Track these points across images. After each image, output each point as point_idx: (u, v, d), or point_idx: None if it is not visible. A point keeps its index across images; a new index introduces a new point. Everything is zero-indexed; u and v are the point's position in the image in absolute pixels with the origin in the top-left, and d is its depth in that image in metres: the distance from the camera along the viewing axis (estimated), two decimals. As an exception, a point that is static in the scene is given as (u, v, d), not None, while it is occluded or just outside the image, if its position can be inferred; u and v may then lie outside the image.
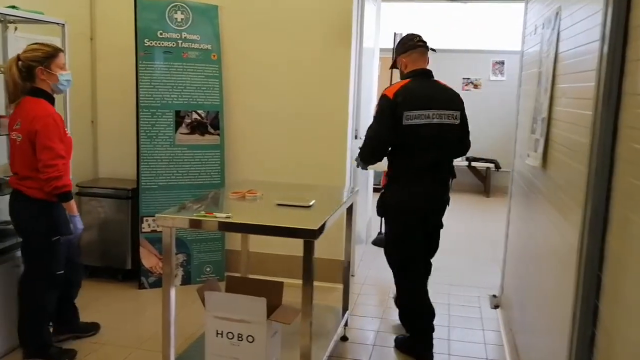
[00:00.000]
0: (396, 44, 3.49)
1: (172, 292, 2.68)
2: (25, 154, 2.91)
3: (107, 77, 4.71)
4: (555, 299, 2.30)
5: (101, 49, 4.69)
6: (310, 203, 2.89)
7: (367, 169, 4.02)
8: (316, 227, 2.43)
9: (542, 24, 3.09)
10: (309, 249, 2.45)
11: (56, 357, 3.18)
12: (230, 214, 2.58)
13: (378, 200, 3.44)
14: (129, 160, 4.41)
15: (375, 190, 6.22)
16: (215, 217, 2.56)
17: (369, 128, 3.31)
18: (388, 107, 3.18)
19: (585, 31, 2.10)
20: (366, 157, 3.39)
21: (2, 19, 3.29)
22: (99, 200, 4.39)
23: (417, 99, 3.23)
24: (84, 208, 4.41)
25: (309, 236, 2.43)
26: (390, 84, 3.48)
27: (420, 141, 3.21)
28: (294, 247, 2.98)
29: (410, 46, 3.38)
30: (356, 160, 3.64)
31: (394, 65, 3.53)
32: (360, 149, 3.41)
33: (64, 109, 3.66)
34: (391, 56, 5.85)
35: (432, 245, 3.67)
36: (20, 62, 2.92)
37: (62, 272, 3.14)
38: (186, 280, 4.40)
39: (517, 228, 3.78)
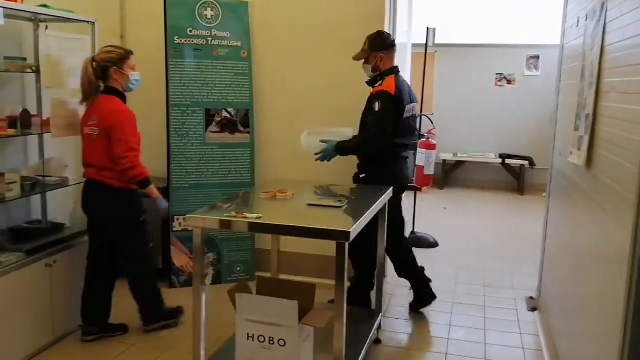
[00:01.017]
0: (372, 40, 3.64)
1: (203, 293, 2.63)
2: (103, 147, 3.17)
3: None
4: (603, 304, 2.18)
5: (131, 47, 4.64)
6: (343, 203, 2.81)
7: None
8: (349, 228, 2.35)
9: (585, 15, 2.95)
10: (341, 251, 2.37)
11: (170, 316, 3.56)
12: (260, 215, 2.51)
13: (363, 180, 3.69)
14: (159, 159, 4.38)
15: (410, 188, 6.13)
16: (246, 217, 2.50)
17: (373, 122, 3.50)
18: (392, 103, 3.49)
19: (635, 22, 1.98)
20: (369, 150, 3.63)
21: (33, 18, 3.28)
22: (130, 199, 4.37)
23: (406, 94, 3.65)
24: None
25: (341, 238, 2.35)
26: (386, 83, 3.60)
27: (407, 130, 3.71)
28: (326, 247, 2.93)
29: (390, 44, 3.67)
30: (323, 154, 3.70)
31: (367, 61, 3.67)
32: (362, 143, 3.61)
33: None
34: (424, 52, 5.79)
35: None
36: (94, 63, 3.17)
37: (151, 245, 3.54)
38: (217, 280, 4.36)
39: (557, 228, 3.64)
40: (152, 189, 3.30)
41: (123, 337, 3.50)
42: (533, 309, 4.09)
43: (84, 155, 3.31)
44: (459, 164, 8.98)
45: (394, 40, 3.70)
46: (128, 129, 3.17)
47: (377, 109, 3.47)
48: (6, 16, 3.16)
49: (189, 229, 3.17)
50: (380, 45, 3.61)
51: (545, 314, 3.78)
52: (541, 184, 8.69)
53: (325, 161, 3.74)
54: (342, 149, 3.65)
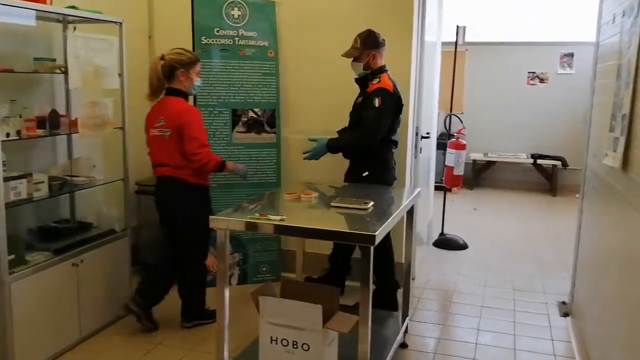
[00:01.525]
0: (365, 39, 3.66)
1: (227, 294, 2.61)
2: (175, 146, 3.30)
3: (165, 76, 4.71)
4: (639, 310, 2.09)
5: (160, 47, 4.68)
6: (368, 206, 2.76)
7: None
8: (375, 232, 2.30)
9: (622, 12, 2.83)
10: (366, 254, 2.32)
11: (210, 315, 3.53)
12: (284, 217, 2.48)
13: (365, 178, 3.67)
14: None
15: (437, 188, 6.04)
16: (269, 219, 2.47)
17: (372, 118, 3.54)
18: (391, 100, 3.59)
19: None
20: (362, 145, 3.63)
21: (61, 19, 3.30)
22: (157, 199, 4.39)
23: (399, 91, 3.70)
24: (143, 206, 4.44)
25: (366, 241, 2.30)
26: (383, 81, 3.66)
27: (397, 127, 3.78)
28: (352, 250, 2.88)
29: (382, 43, 3.69)
30: (313, 152, 3.75)
31: (358, 59, 3.68)
32: (357, 138, 3.61)
33: (122, 108, 3.65)
34: (454, 50, 5.69)
35: None
36: (163, 62, 3.30)
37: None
38: (242, 280, 4.35)
39: (591, 232, 3.52)
40: (230, 167, 3.46)
41: (150, 335, 3.51)
42: (565, 315, 3.97)
43: (153, 156, 3.44)
44: (490, 164, 8.83)
45: (384, 40, 3.72)
46: (197, 126, 3.29)
47: (377, 105, 3.52)
48: (36, 17, 3.21)
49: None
50: (373, 43, 3.65)
51: (578, 319, 3.67)
52: (574, 185, 8.50)
53: (314, 159, 3.80)
54: (333, 145, 3.69)
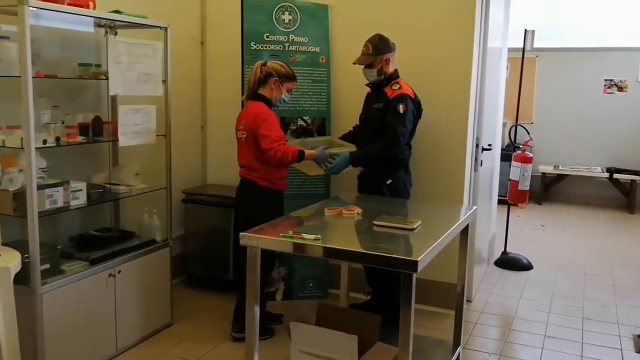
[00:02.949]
0: (376, 44, 3.53)
1: (257, 313, 2.43)
2: (250, 148, 3.36)
3: (217, 82, 4.63)
4: None
5: (211, 53, 4.62)
6: (415, 225, 2.51)
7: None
8: (417, 257, 2.05)
9: None
10: (408, 283, 2.08)
11: (266, 331, 3.51)
12: (319, 236, 2.27)
13: (389, 186, 3.54)
14: (234, 168, 4.26)
15: (501, 202, 5.67)
16: (303, 238, 2.26)
17: (398, 124, 3.41)
18: (413, 107, 3.49)
19: None
20: (389, 154, 3.47)
21: (103, 24, 3.23)
22: (204, 208, 4.30)
23: (418, 97, 3.58)
24: (190, 215, 4.35)
25: (407, 268, 2.06)
26: (404, 86, 3.53)
27: (415, 132, 3.65)
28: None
29: (393, 47, 3.57)
30: (335, 167, 3.52)
31: (371, 65, 3.54)
32: (382, 148, 3.44)
33: (165, 115, 3.56)
34: (521, 56, 5.33)
35: None
36: (264, 67, 3.38)
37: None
38: (288, 295, 4.17)
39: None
40: (309, 154, 3.38)
41: (187, 349, 3.38)
42: (641, 350, 3.56)
43: (238, 157, 3.51)
44: (560, 177, 8.30)
45: (394, 43, 3.59)
46: (270, 125, 3.28)
47: (402, 111, 3.42)
48: (78, 23, 3.16)
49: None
50: (385, 48, 3.53)
51: (656, 358, 3.26)
52: (655, 202, 7.91)
53: (335, 174, 3.66)
54: (358, 158, 3.54)
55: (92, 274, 3.07)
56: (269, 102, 3.41)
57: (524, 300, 4.37)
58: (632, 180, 7.87)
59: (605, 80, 8.22)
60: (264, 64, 3.39)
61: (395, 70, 3.59)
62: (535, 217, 7.42)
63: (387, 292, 3.65)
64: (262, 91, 3.40)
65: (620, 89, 8.17)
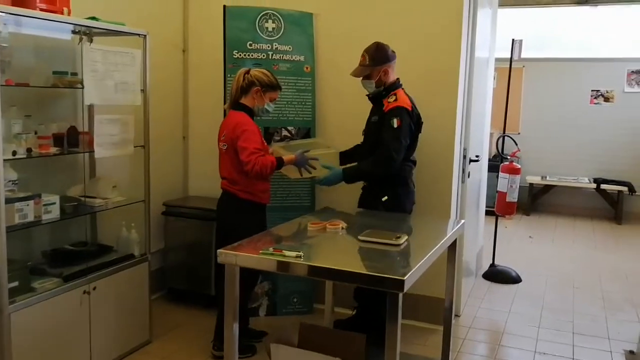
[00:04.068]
0: (374, 54, 3.37)
1: (235, 331, 2.31)
2: (231, 159, 3.25)
3: (199, 91, 4.52)
4: None
5: (194, 62, 4.51)
6: (401, 241, 2.41)
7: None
8: (403, 276, 1.95)
9: None
10: (394, 302, 1.97)
11: (247, 350, 3.42)
12: (300, 253, 2.16)
13: (385, 203, 3.38)
14: (215, 179, 4.15)
15: (488, 213, 5.59)
16: (284, 255, 2.15)
17: (391, 140, 3.26)
18: (410, 120, 3.32)
19: None
20: (383, 171, 3.33)
21: (77, 31, 3.11)
22: (185, 220, 4.17)
23: (417, 108, 3.44)
24: (170, 227, 4.22)
25: (393, 287, 1.95)
26: (400, 98, 3.38)
27: (416, 146, 3.50)
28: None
29: (392, 56, 3.41)
30: (326, 180, 3.42)
31: (369, 76, 3.40)
32: (374, 165, 3.31)
33: (144, 125, 3.45)
34: (508, 66, 5.28)
35: None
36: (247, 75, 3.27)
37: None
38: (272, 311, 4.05)
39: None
40: (288, 160, 3.27)
41: (164, 372, 3.25)
42: (633, 366, 3.48)
43: (219, 168, 3.41)
44: (548, 188, 8.26)
45: (394, 52, 3.43)
46: (249, 137, 3.17)
47: (395, 125, 3.26)
48: (51, 29, 3.04)
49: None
50: (383, 58, 3.37)
51: (649, 375, 3.18)
52: (643, 214, 7.90)
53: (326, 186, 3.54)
54: (350, 176, 3.40)
55: (65, 291, 2.93)
56: (251, 112, 3.31)
57: (513, 315, 4.28)
58: (619, 191, 7.84)
59: (592, 90, 8.21)
60: (247, 72, 3.28)
61: (397, 79, 3.44)
62: (523, 228, 7.36)
63: (373, 308, 3.53)
64: (244, 100, 3.29)
65: (606, 99, 8.17)
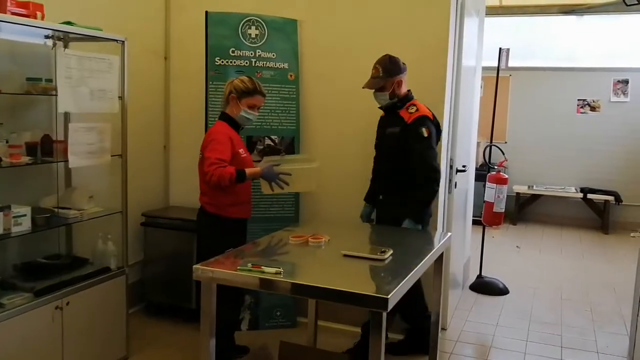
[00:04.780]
0: (386, 66, 3.31)
1: (212, 348, 2.21)
2: (201, 170, 3.11)
3: (181, 100, 4.40)
4: None
5: (176, 69, 4.40)
6: (386, 256, 2.32)
7: None
8: (387, 294, 1.86)
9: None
10: (377, 322, 1.88)
11: None
12: (280, 269, 2.06)
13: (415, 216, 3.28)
14: (196, 189, 4.04)
15: (475, 222, 5.52)
16: (263, 272, 2.06)
17: (426, 149, 3.25)
18: (435, 129, 3.33)
19: None
20: (438, 180, 3.31)
21: (52, 35, 2.99)
22: (165, 232, 4.05)
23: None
24: (149, 239, 4.10)
25: (377, 306, 1.86)
26: (421, 108, 3.36)
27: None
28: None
29: (404, 67, 3.38)
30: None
31: (383, 88, 3.32)
32: (429, 184, 3.26)
33: (122, 133, 3.33)
34: (496, 75, 5.23)
35: None
36: (230, 85, 3.20)
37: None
38: (254, 325, 3.94)
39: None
40: (253, 173, 3.07)
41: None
42: (622, 382, 3.41)
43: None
44: (535, 197, 8.23)
45: (404, 63, 3.40)
46: (214, 146, 3.02)
47: (425, 134, 3.25)
48: (25, 34, 2.93)
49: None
50: (396, 69, 3.32)
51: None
52: (629, 222, 7.86)
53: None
54: (416, 212, 3.27)
55: (36, 307, 2.80)
56: (233, 122, 3.21)
57: (500, 328, 4.20)
58: (606, 201, 7.82)
59: (579, 100, 8.20)
60: (232, 82, 3.22)
61: (409, 91, 3.39)
62: (510, 237, 7.31)
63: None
64: (227, 110, 3.23)
65: (593, 108, 8.17)
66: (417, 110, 3.30)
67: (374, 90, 3.35)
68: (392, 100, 3.34)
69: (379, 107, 3.43)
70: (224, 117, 3.23)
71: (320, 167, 3.36)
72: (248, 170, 3.03)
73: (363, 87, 3.35)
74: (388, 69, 3.30)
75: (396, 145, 3.31)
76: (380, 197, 3.49)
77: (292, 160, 3.41)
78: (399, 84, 3.32)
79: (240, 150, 3.17)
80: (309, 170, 3.30)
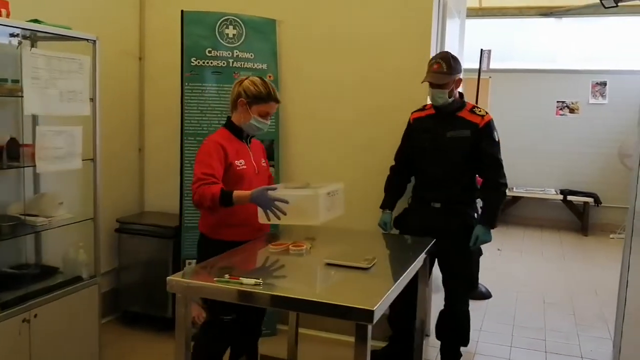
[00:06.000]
0: (449, 62, 3.08)
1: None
2: None
3: (156, 102, 4.26)
4: None
5: (151, 70, 4.26)
6: (370, 264, 2.23)
7: None
8: (373, 306, 1.76)
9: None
10: (362, 335, 1.79)
11: None
12: (259, 280, 1.96)
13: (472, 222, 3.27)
14: (172, 194, 3.92)
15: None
16: (241, 283, 1.95)
17: (498, 154, 3.17)
18: None
19: None
20: (506, 184, 3.24)
21: (17, 34, 2.85)
22: (140, 238, 3.91)
23: None
24: (124, 246, 3.96)
25: (362, 319, 1.77)
26: (484, 111, 3.22)
27: None
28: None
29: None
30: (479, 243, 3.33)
31: (445, 86, 3.09)
32: (502, 187, 3.20)
33: (93, 137, 3.19)
34: (477, 76, 5.19)
35: None
36: (237, 86, 2.79)
37: (230, 317, 2.73)
38: (233, 333, 3.82)
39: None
40: (240, 199, 2.51)
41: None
42: (608, 387, 3.37)
43: None
44: (515, 199, 8.22)
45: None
46: (201, 159, 2.65)
47: (497, 139, 3.16)
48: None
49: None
50: (458, 67, 3.10)
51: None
52: (608, 224, 7.89)
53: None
54: (491, 220, 3.28)
55: (2, 320, 2.65)
56: (236, 129, 2.81)
57: (484, 333, 4.14)
58: (585, 202, 7.85)
59: (558, 102, 8.23)
60: (240, 83, 2.79)
61: (461, 92, 3.23)
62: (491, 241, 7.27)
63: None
64: (233, 116, 2.82)
65: (572, 110, 8.19)
66: (486, 113, 3.15)
67: (432, 86, 3.08)
68: (449, 100, 3.11)
69: (434, 107, 3.22)
70: (228, 124, 2.84)
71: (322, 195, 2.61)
72: (236, 193, 2.52)
73: (425, 81, 3.09)
74: (452, 65, 3.06)
75: (468, 150, 3.12)
76: (437, 205, 3.21)
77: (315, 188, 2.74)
78: (459, 83, 3.12)
79: (237, 162, 2.72)
80: (314, 199, 2.56)
